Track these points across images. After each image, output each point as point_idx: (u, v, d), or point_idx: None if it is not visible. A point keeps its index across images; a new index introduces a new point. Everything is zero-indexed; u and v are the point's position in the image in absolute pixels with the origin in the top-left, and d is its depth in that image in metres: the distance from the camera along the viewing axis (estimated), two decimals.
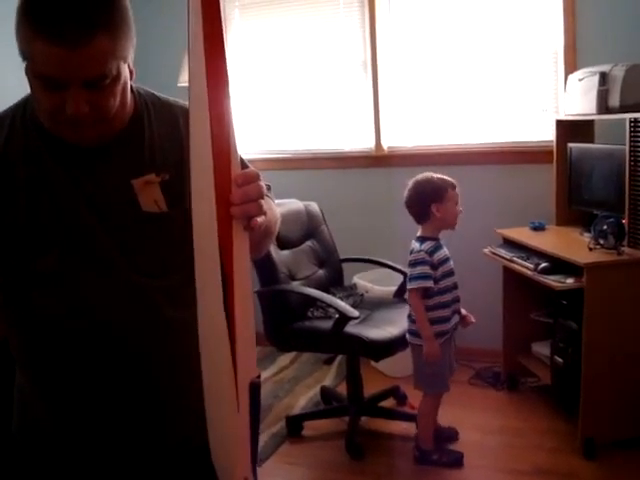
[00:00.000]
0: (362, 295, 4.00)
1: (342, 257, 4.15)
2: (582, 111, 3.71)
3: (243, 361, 1.06)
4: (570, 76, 3.89)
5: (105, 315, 1.37)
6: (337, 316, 3.40)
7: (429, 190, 3.30)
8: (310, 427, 3.76)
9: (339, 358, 4.48)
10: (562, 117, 4.01)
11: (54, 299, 1.36)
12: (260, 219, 1.11)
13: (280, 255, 3.70)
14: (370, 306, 3.81)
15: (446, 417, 3.54)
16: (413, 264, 3.26)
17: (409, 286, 3.27)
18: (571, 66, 4.07)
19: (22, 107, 1.40)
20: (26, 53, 1.23)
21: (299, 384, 4.34)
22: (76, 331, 1.37)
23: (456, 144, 4.54)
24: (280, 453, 3.53)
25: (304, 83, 4.92)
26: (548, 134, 4.14)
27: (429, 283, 3.22)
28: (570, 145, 3.95)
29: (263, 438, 3.56)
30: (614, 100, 3.44)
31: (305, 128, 4.98)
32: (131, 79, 1.36)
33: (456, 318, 3.34)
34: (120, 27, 1.25)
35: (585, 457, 3.26)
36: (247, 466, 1.11)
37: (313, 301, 3.67)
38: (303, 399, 4.12)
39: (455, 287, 3.31)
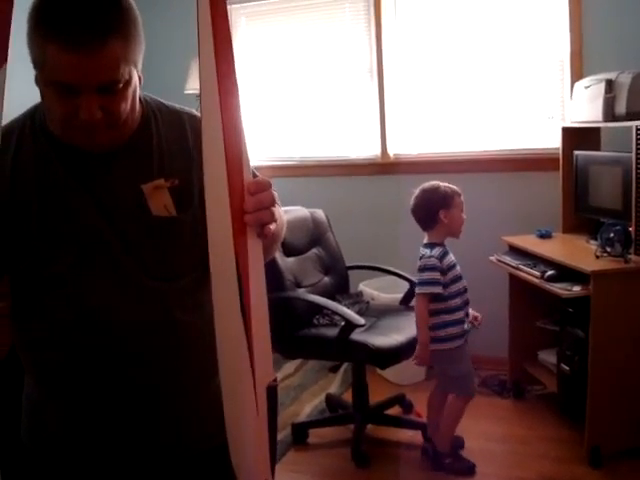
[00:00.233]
0: (368, 302, 4.00)
1: (348, 264, 4.15)
2: (588, 118, 3.71)
3: (260, 365, 1.08)
4: (576, 83, 3.89)
5: (116, 319, 1.38)
6: (343, 324, 3.39)
7: (437, 197, 3.32)
8: (315, 435, 3.75)
9: (345, 366, 4.47)
10: (568, 124, 4.01)
11: (65, 304, 1.37)
12: (272, 226, 1.14)
13: (286, 262, 3.70)
14: (376, 314, 3.80)
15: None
16: (423, 269, 3.27)
17: (417, 290, 3.29)
18: (577, 73, 4.08)
19: (31, 116, 1.42)
20: (39, 61, 1.25)
21: (304, 392, 4.33)
22: (87, 335, 1.38)
23: (462, 151, 4.54)
24: (285, 461, 3.52)
25: (310, 91, 4.93)
26: (554, 141, 4.13)
27: (437, 289, 3.23)
28: (576, 152, 3.94)
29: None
30: (620, 107, 3.43)
31: (311, 135, 4.99)
32: (139, 85, 1.37)
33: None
34: (131, 32, 1.27)
35: (591, 466, 3.25)
36: (267, 468, 1.13)
37: (319, 308, 3.66)
38: (308, 407, 4.11)
39: (465, 291, 3.34)
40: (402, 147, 4.73)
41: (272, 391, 1.11)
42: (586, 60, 4.07)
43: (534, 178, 4.28)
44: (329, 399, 4.10)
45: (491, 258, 3.98)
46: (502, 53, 4.37)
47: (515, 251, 3.90)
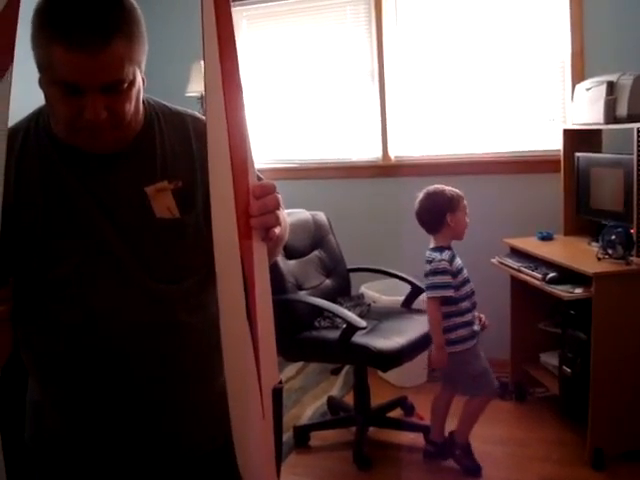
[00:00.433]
0: (369, 305, 3.99)
1: (349, 267, 4.14)
2: (590, 120, 3.71)
3: (266, 367, 1.08)
4: (577, 85, 3.89)
5: (120, 320, 1.38)
6: (344, 326, 3.39)
7: (443, 200, 3.34)
8: (317, 437, 3.75)
9: (346, 368, 4.47)
10: (569, 126, 4.00)
11: (69, 306, 1.37)
12: (277, 230, 1.14)
13: (287, 265, 3.70)
14: (377, 316, 3.80)
15: (453, 427, 3.52)
16: (434, 273, 3.28)
17: (429, 294, 3.30)
18: (578, 75, 4.08)
19: (35, 119, 1.43)
20: (44, 62, 1.26)
21: (306, 394, 4.32)
22: (91, 337, 1.38)
23: (463, 154, 4.54)
24: (287, 464, 3.51)
25: (311, 93, 4.94)
26: (555, 144, 4.13)
27: (449, 292, 3.25)
28: (578, 154, 3.94)
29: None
30: (622, 109, 3.43)
31: (312, 138, 4.99)
32: (143, 87, 1.38)
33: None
34: (134, 32, 1.28)
35: (594, 468, 3.24)
36: (273, 470, 1.14)
37: (320, 311, 3.66)
38: (310, 409, 4.11)
39: (473, 293, 3.36)
40: (403, 149, 4.73)
41: (278, 393, 1.11)
42: (587, 62, 4.07)
43: (535, 180, 4.27)
44: (331, 402, 4.09)
45: (493, 260, 3.98)
46: (503, 55, 4.37)
47: (517, 253, 3.90)
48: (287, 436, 3.70)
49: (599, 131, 3.94)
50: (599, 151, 3.97)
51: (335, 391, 4.33)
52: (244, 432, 1.10)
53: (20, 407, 1.55)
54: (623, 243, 3.27)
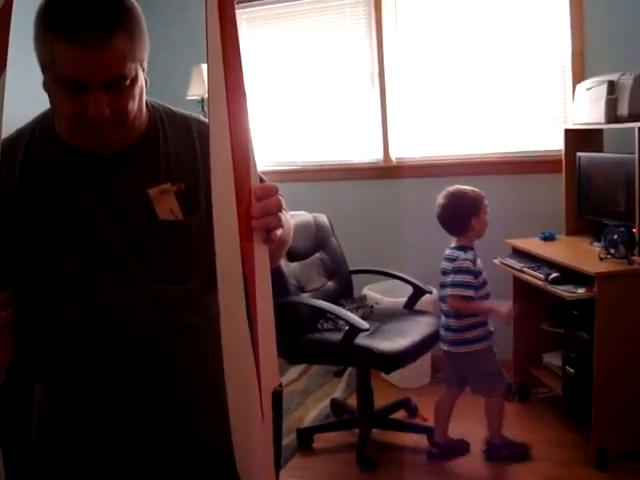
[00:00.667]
0: (372, 307, 3.99)
1: (351, 268, 4.14)
2: (590, 120, 3.71)
3: (266, 370, 1.08)
4: (578, 85, 3.89)
5: (123, 322, 1.39)
6: (347, 328, 3.39)
7: (467, 203, 3.37)
8: (321, 440, 3.74)
9: (349, 370, 4.46)
10: (570, 126, 4.00)
11: (73, 308, 1.38)
12: (279, 232, 1.14)
13: (289, 267, 3.70)
14: (380, 318, 3.79)
15: (457, 429, 3.52)
16: (458, 271, 3.31)
17: (451, 292, 3.31)
18: (579, 75, 4.07)
19: (40, 122, 1.44)
20: (47, 61, 1.27)
21: (309, 397, 4.32)
22: (94, 338, 1.39)
23: (464, 154, 4.53)
24: (291, 466, 3.51)
25: (312, 95, 4.94)
26: (557, 144, 4.13)
27: (470, 292, 3.28)
28: (579, 154, 3.94)
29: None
30: (623, 109, 3.43)
31: (313, 140, 4.99)
32: (145, 88, 1.39)
33: None
34: (135, 30, 1.30)
35: (597, 468, 3.24)
36: (272, 473, 1.13)
37: (323, 313, 3.66)
38: (313, 412, 4.11)
39: (488, 295, 3.39)
40: (404, 151, 4.73)
41: (277, 396, 1.11)
42: (588, 62, 4.07)
43: (537, 180, 4.27)
44: (334, 404, 4.09)
45: (495, 261, 3.97)
46: (503, 56, 4.37)
47: (519, 253, 3.90)
48: (290, 438, 3.71)
49: (600, 131, 3.94)
50: (600, 151, 3.96)
51: (338, 393, 4.33)
52: (243, 434, 1.10)
53: (26, 410, 1.55)
54: (625, 243, 3.27)
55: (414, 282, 3.93)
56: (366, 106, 4.79)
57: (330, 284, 3.97)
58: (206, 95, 1.09)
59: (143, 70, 1.36)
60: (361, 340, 3.37)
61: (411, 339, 3.44)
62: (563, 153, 4.01)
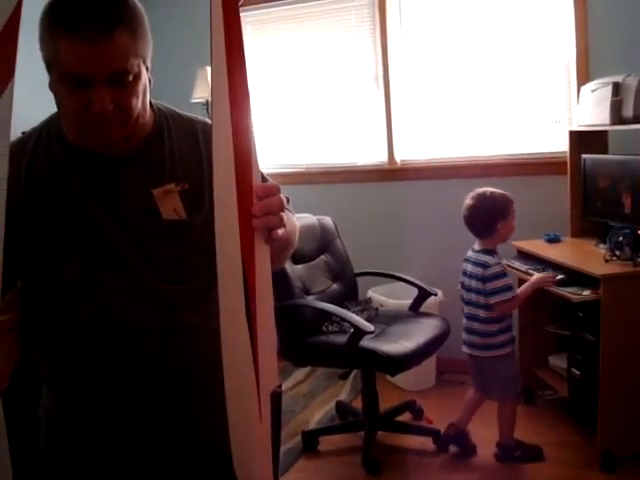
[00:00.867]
0: (377, 309, 3.99)
1: (356, 271, 4.14)
2: (595, 122, 3.70)
3: (265, 371, 1.08)
4: (583, 87, 3.88)
5: (127, 321, 1.39)
6: (352, 330, 3.38)
7: (495, 207, 3.39)
8: (326, 442, 3.74)
9: (354, 372, 4.47)
10: (575, 128, 4.00)
11: (77, 307, 1.39)
12: (280, 231, 1.14)
13: (294, 270, 3.70)
14: (385, 320, 3.79)
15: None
16: (495, 277, 3.32)
17: (497, 299, 3.32)
18: (583, 77, 4.06)
19: (47, 125, 1.46)
20: (52, 57, 1.30)
21: (314, 399, 4.32)
22: (99, 337, 1.40)
23: (469, 156, 4.53)
24: (296, 469, 3.51)
25: (316, 98, 4.94)
26: (561, 145, 4.13)
27: (512, 293, 3.35)
28: (584, 156, 3.93)
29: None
30: (627, 110, 3.42)
31: (318, 142, 5.00)
32: (149, 87, 1.41)
33: None
34: (137, 28, 1.32)
35: (603, 470, 3.23)
36: (270, 474, 1.13)
37: (328, 316, 3.66)
38: (318, 414, 4.11)
39: None
40: (409, 153, 4.73)
41: (276, 397, 1.11)
42: (592, 63, 4.06)
43: (542, 182, 4.26)
44: (339, 406, 4.09)
45: None
46: (507, 57, 4.36)
47: (524, 256, 3.89)
48: (296, 441, 3.71)
49: (605, 132, 3.93)
50: (605, 152, 3.95)
51: (343, 395, 4.33)
52: (241, 436, 1.09)
53: (34, 413, 1.56)
54: (631, 244, 3.27)
55: (419, 284, 3.93)
56: (371, 108, 4.79)
57: (335, 286, 3.97)
58: (210, 98, 1.09)
59: (147, 69, 1.38)
60: (366, 342, 3.37)
61: (416, 341, 3.44)
62: (568, 155, 4.01)
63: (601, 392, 3.21)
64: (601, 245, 3.61)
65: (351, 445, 3.70)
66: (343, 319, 3.53)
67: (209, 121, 1.54)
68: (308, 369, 4.68)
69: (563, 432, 3.65)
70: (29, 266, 1.39)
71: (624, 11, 3.96)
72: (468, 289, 3.42)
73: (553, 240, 3.96)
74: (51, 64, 1.31)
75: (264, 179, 1.41)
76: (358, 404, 3.90)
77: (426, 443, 3.59)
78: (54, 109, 1.43)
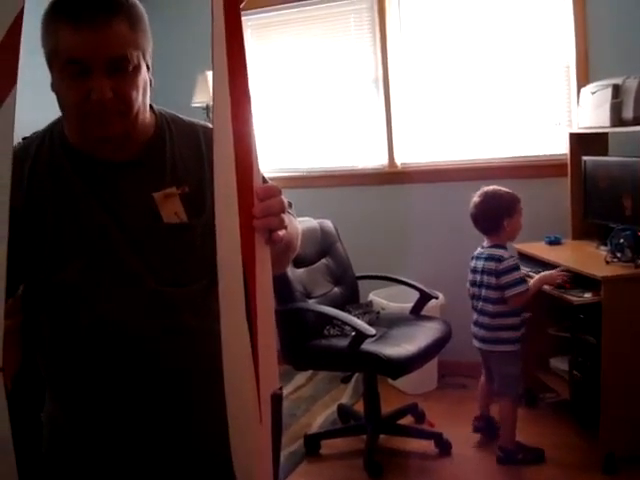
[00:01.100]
0: (378, 312, 3.99)
1: (357, 274, 4.14)
2: (595, 124, 3.70)
3: (265, 373, 1.08)
4: (583, 89, 3.89)
5: (127, 324, 1.39)
6: (353, 334, 3.38)
7: (502, 205, 3.44)
8: (328, 446, 3.74)
9: (356, 376, 4.46)
10: (575, 130, 4.00)
11: (77, 310, 1.39)
12: (281, 233, 1.14)
13: (295, 273, 3.70)
14: (387, 323, 3.79)
15: (470, 436, 3.52)
16: (509, 271, 3.36)
17: (511, 292, 3.35)
18: (583, 79, 4.07)
19: (51, 128, 1.48)
20: (52, 51, 1.32)
21: (316, 403, 4.32)
22: (99, 340, 1.40)
23: (470, 159, 4.53)
24: (298, 472, 3.51)
25: (316, 102, 4.95)
26: (562, 148, 4.13)
27: (526, 286, 3.38)
28: (584, 158, 3.94)
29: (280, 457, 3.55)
30: (628, 112, 3.43)
31: (318, 146, 5.00)
32: (150, 86, 1.42)
33: None
34: (137, 22, 1.35)
35: (605, 472, 3.22)
36: (269, 477, 1.12)
37: (329, 319, 3.66)
38: (320, 418, 4.11)
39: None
40: (409, 156, 4.73)
41: (277, 399, 1.11)
42: (592, 65, 4.07)
43: (542, 185, 4.26)
44: (341, 410, 4.09)
45: None
46: (507, 60, 4.37)
47: (525, 258, 3.89)
48: (298, 444, 3.71)
49: (605, 134, 3.93)
50: (605, 154, 3.95)
51: (345, 399, 4.33)
52: (241, 437, 1.09)
53: (38, 418, 1.57)
54: (632, 246, 3.27)
55: (420, 287, 3.93)
56: (371, 112, 4.80)
57: (336, 290, 3.97)
58: (211, 102, 1.10)
59: (148, 68, 1.39)
60: (368, 346, 3.37)
61: (418, 345, 3.43)
62: (568, 157, 4.01)
63: (603, 394, 3.20)
64: (602, 247, 3.61)
65: (353, 449, 3.70)
66: (344, 323, 3.53)
67: (210, 125, 1.55)
68: (310, 373, 4.68)
69: (565, 434, 3.65)
70: (31, 269, 1.39)
71: (624, 13, 3.97)
72: (479, 285, 3.46)
73: (554, 242, 3.96)
74: (52, 57, 1.33)
75: (265, 181, 1.42)
76: (360, 407, 3.90)
77: (428, 446, 3.59)
78: (55, 115, 1.44)
